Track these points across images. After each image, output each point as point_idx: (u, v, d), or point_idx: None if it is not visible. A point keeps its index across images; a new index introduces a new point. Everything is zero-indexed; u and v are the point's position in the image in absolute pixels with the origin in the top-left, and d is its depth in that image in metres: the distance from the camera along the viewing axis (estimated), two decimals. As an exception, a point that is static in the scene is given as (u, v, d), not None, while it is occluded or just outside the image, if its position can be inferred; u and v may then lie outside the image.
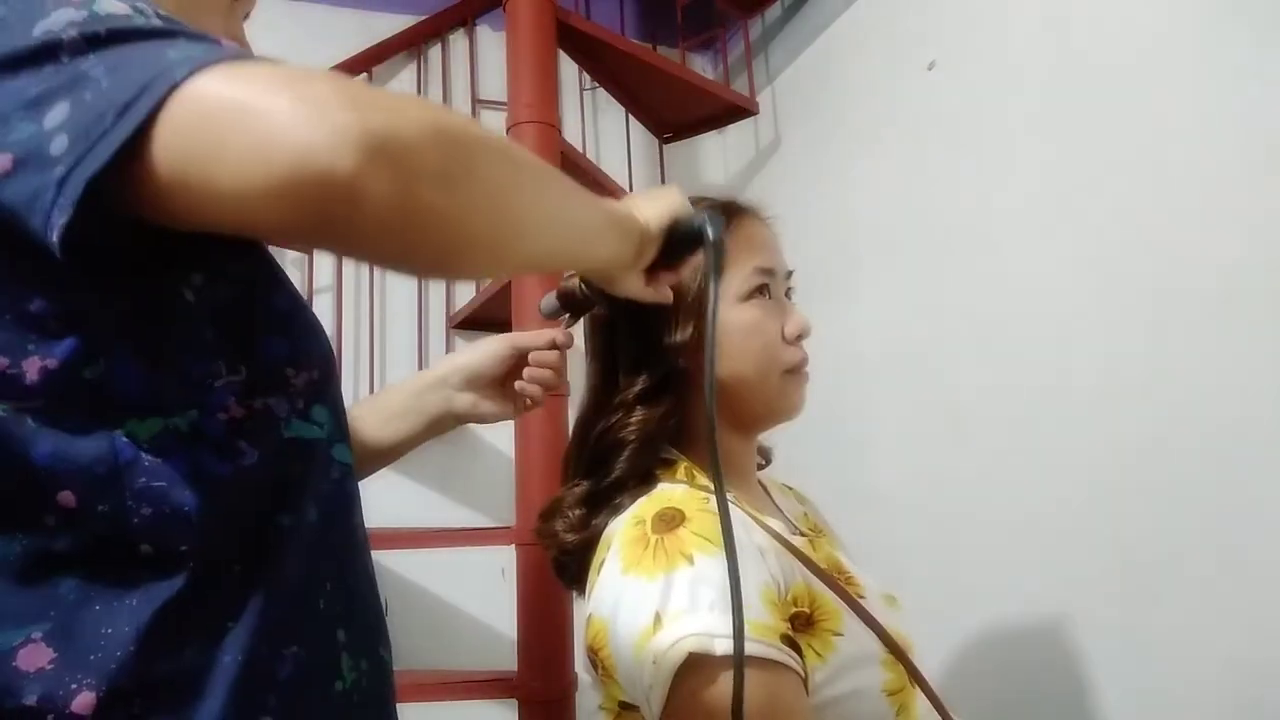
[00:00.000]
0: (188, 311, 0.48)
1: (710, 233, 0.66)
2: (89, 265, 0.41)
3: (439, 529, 1.80)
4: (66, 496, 0.45)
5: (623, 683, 0.67)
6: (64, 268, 0.41)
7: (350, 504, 0.59)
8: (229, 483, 0.49)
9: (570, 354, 0.84)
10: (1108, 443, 1.12)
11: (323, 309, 1.93)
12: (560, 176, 0.55)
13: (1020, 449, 1.25)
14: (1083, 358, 1.16)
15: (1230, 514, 0.97)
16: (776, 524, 0.77)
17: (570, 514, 0.78)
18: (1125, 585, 1.08)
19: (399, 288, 2.04)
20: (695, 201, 0.85)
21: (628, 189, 1.94)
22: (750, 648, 0.61)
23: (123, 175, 0.38)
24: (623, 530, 0.72)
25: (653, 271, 0.69)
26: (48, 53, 0.40)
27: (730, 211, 0.83)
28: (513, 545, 1.40)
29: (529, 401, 0.84)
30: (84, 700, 0.44)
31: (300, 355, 0.54)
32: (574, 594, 0.82)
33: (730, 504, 0.73)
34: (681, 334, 0.78)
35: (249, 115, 0.38)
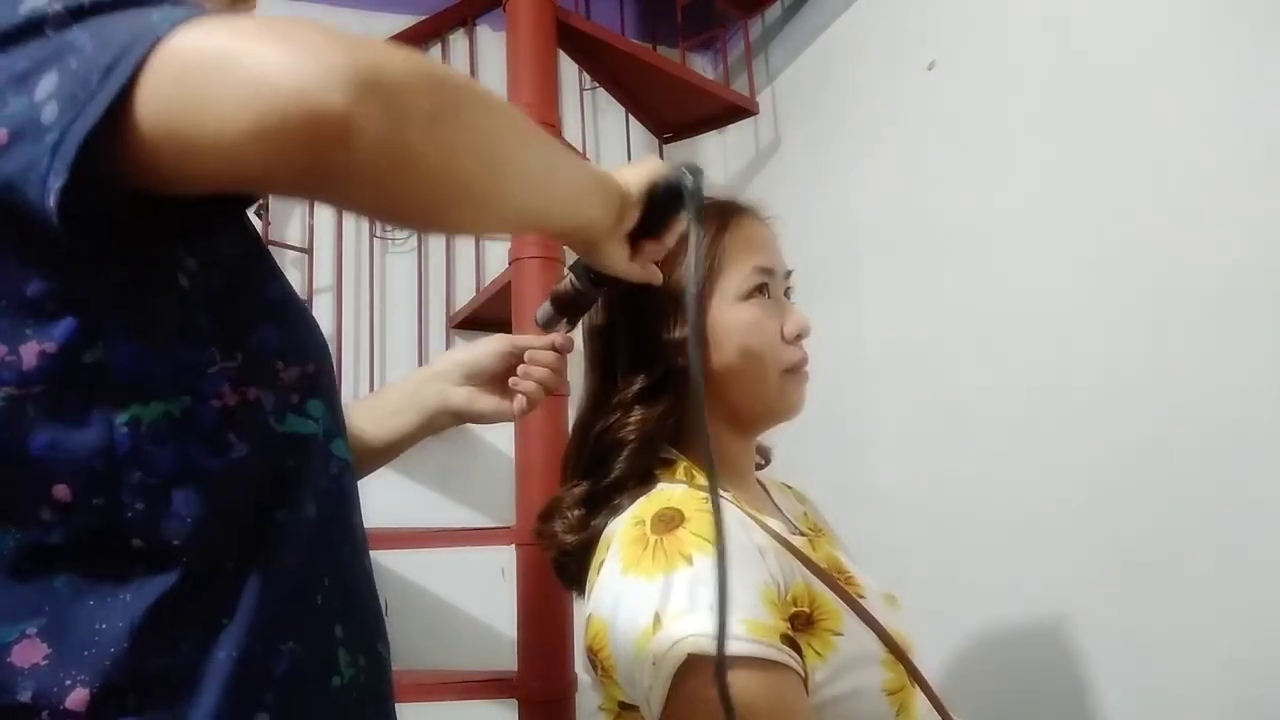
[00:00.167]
0: (183, 297, 0.48)
1: (689, 181, 0.66)
2: (86, 237, 0.41)
3: (439, 529, 1.80)
4: (62, 490, 0.45)
5: (622, 683, 0.67)
6: (61, 246, 0.40)
7: (349, 500, 0.58)
8: (218, 477, 0.48)
9: (571, 354, 0.84)
10: (1108, 443, 1.12)
11: (323, 309, 1.93)
12: (546, 134, 0.55)
13: (1020, 449, 1.25)
14: (1083, 358, 1.16)
15: (1230, 514, 0.97)
16: (776, 523, 0.77)
17: (569, 514, 0.78)
18: (1125, 585, 1.08)
19: (399, 287, 2.04)
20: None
21: (628, 189, 1.94)
22: (750, 648, 0.61)
23: (114, 137, 0.38)
24: (622, 530, 0.72)
25: (636, 245, 0.69)
26: (33, 28, 0.41)
27: (730, 211, 0.83)
28: (513, 545, 1.40)
29: (525, 402, 0.83)
30: (78, 697, 0.44)
31: (290, 348, 0.54)
32: (574, 594, 0.82)
33: (730, 503, 0.74)
34: (680, 331, 0.77)
35: (236, 61, 0.38)
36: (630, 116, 2.04)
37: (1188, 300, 1.03)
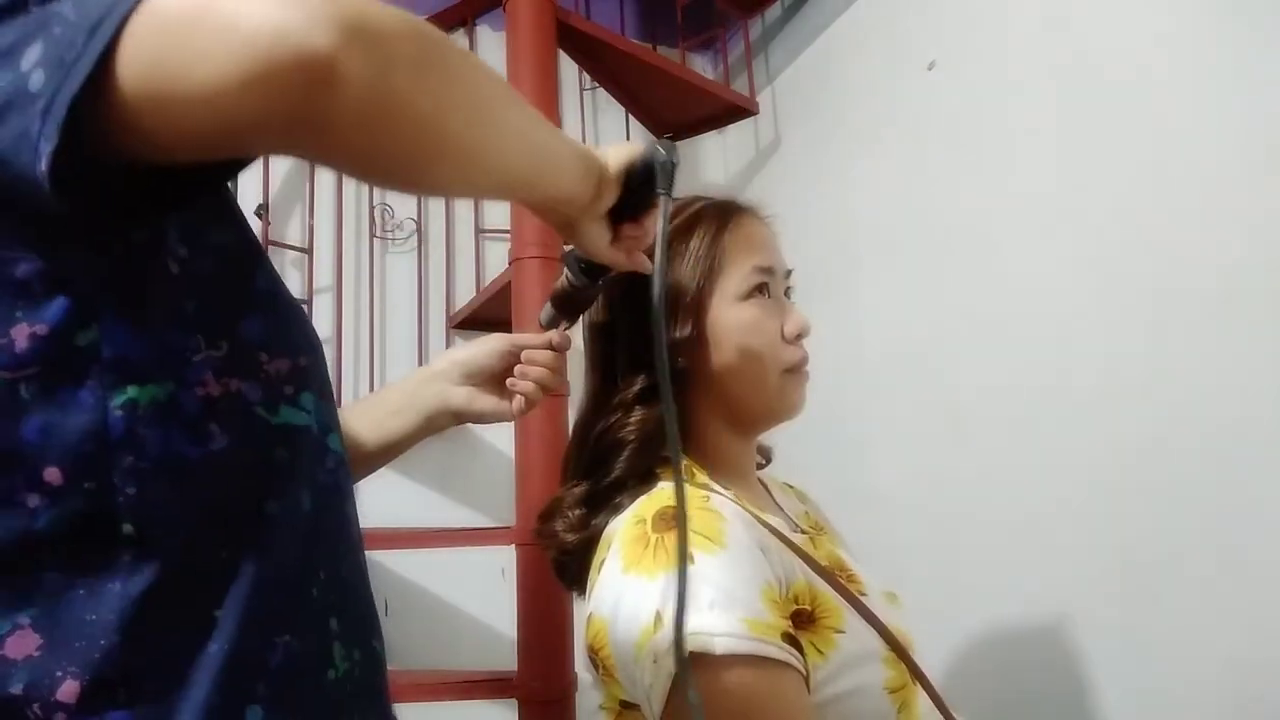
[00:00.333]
0: (173, 283, 0.48)
1: (661, 151, 0.66)
2: (78, 207, 0.40)
3: (439, 529, 1.79)
4: (53, 473, 0.45)
5: (623, 682, 0.67)
6: (53, 220, 0.40)
7: (344, 494, 0.58)
8: (197, 467, 0.48)
9: (570, 354, 0.84)
10: (1108, 443, 1.12)
11: (323, 309, 1.92)
12: (527, 102, 0.55)
13: (1020, 449, 1.25)
14: (1083, 358, 1.16)
15: (1230, 514, 0.97)
16: (777, 521, 0.77)
17: (570, 514, 0.78)
18: (1125, 585, 1.08)
19: (399, 287, 2.04)
20: (693, 200, 0.85)
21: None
22: (751, 646, 0.61)
23: (102, 96, 0.38)
24: (623, 529, 0.72)
25: (617, 227, 0.68)
26: (17, 4, 0.41)
27: (730, 211, 0.83)
28: (513, 545, 1.40)
29: (524, 402, 0.82)
30: (68, 689, 0.43)
31: (276, 339, 0.54)
32: (574, 594, 0.82)
33: (731, 501, 0.74)
34: (680, 331, 0.78)
35: (218, 11, 0.38)
36: (630, 116, 2.04)
37: (1188, 300, 1.03)
